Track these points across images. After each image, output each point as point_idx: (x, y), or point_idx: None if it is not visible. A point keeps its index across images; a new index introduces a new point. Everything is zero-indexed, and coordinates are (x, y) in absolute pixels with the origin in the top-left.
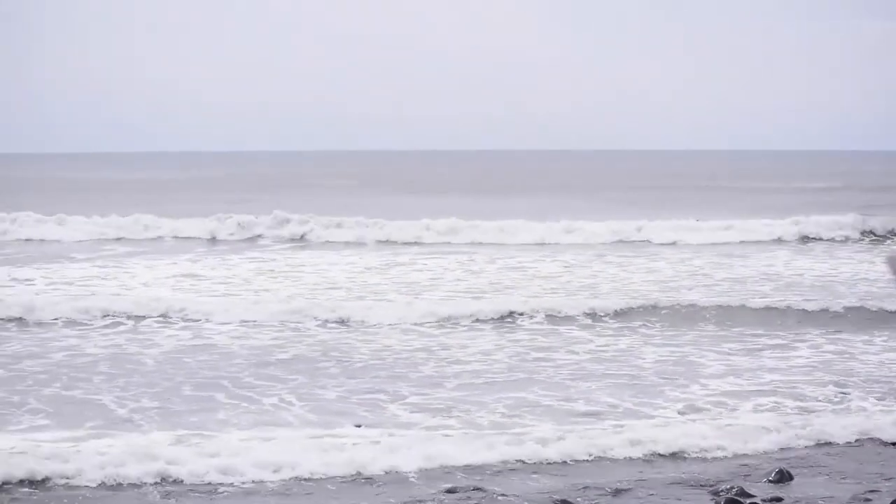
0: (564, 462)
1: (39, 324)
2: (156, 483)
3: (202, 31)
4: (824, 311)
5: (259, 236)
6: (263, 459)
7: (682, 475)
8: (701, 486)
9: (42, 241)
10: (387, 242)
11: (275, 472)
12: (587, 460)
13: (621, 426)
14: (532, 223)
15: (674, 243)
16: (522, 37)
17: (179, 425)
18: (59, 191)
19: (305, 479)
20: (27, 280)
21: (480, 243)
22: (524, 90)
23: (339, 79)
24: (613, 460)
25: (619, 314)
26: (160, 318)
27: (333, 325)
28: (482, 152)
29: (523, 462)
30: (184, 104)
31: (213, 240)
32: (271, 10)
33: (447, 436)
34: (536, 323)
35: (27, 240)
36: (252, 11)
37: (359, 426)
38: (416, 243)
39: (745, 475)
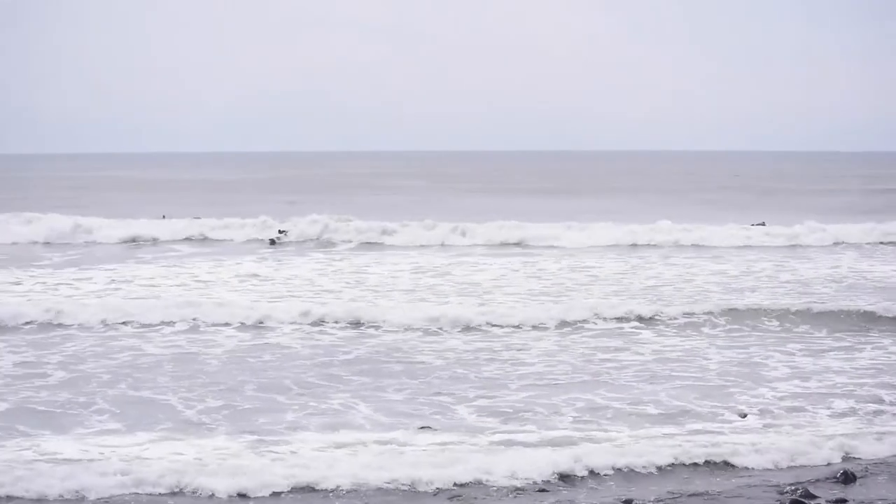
0: (635, 468)
1: (101, 323)
2: (231, 496)
3: (207, 32)
4: (888, 312)
5: (319, 238)
6: (334, 466)
7: (750, 478)
8: (768, 488)
9: (103, 243)
10: (451, 246)
11: (347, 478)
12: (659, 466)
13: (691, 431)
14: (595, 224)
15: (738, 246)
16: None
17: (249, 429)
18: (110, 191)
19: (376, 487)
20: (89, 279)
21: (544, 246)
22: (539, 90)
23: (354, 75)
24: (684, 466)
25: (682, 315)
26: (220, 319)
27: (393, 326)
28: (509, 153)
29: (592, 469)
30: (185, 105)
31: (277, 241)
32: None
33: (517, 443)
34: (599, 324)
35: (88, 242)
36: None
37: (426, 428)
38: (482, 244)
39: (813, 479)
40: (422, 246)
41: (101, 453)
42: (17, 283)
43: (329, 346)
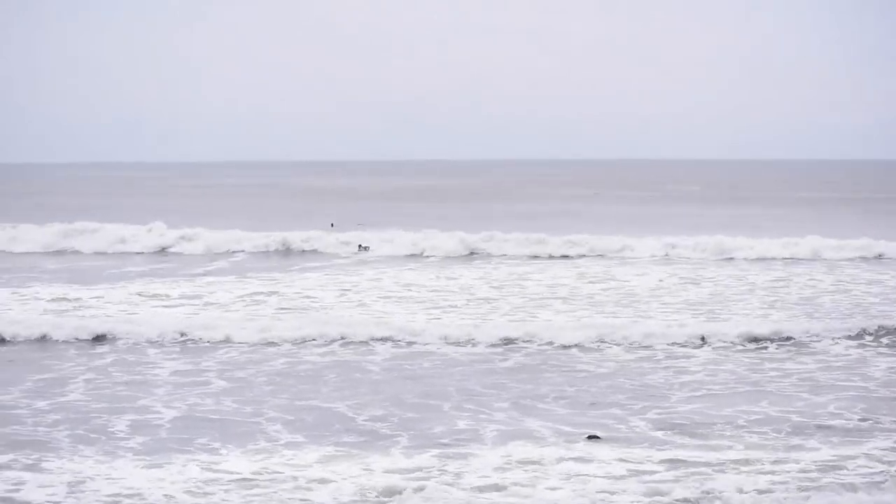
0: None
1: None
2: None
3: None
4: None
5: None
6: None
7: None
8: None
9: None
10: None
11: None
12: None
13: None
14: (757, 240)
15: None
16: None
17: (425, 440)
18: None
19: None
20: (256, 292)
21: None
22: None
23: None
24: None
25: (842, 327)
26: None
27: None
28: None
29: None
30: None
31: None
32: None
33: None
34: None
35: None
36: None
37: (594, 438)
38: (639, 256)
39: None
40: (582, 256)
41: (291, 476)
42: (171, 291)
43: (487, 353)
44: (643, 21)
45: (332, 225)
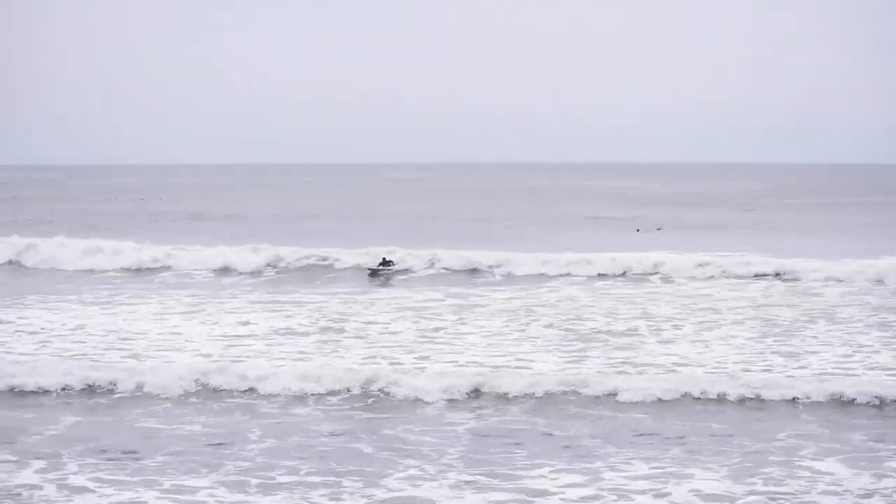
0: None
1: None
2: None
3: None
4: None
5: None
6: None
7: None
8: None
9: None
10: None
11: None
12: None
13: None
14: None
15: None
16: None
17: (745, 457)
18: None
19: None
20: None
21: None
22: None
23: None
24: None
25: None
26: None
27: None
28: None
29: None
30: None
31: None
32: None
33: None
34: None
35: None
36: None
37: None
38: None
39: None
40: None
41: None
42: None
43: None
44: None
45: (637, 230)
